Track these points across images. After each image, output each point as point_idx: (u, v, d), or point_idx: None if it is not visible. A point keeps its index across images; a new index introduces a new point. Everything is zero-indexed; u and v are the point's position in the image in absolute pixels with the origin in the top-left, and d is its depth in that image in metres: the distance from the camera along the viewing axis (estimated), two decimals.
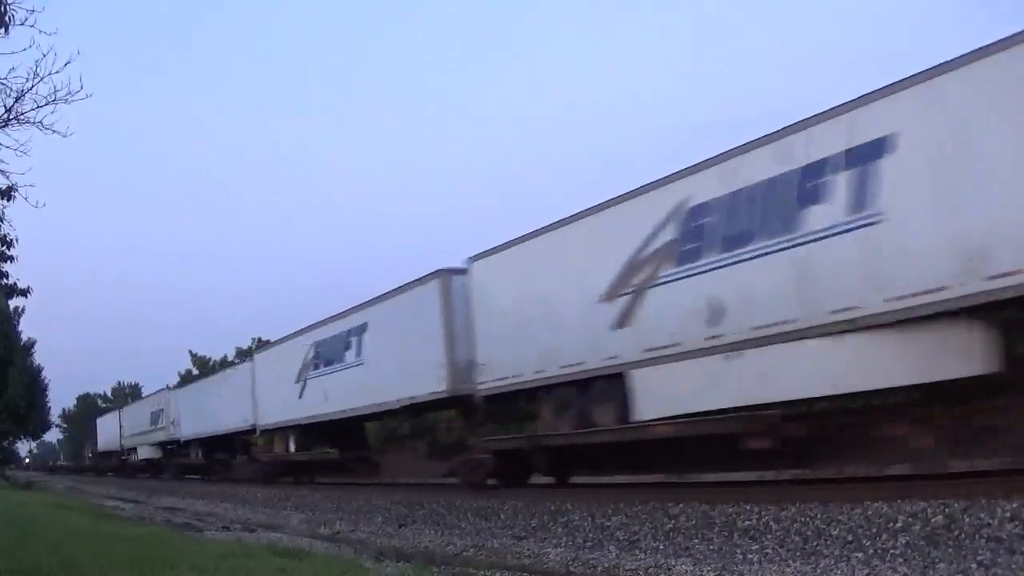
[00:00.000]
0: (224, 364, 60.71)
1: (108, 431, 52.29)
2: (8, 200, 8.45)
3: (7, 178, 8.30)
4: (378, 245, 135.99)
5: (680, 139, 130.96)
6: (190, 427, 33.81)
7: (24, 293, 9.98)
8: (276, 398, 24.78)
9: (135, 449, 42.81)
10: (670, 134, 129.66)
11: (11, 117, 7.80)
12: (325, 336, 21.88)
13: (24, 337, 47.64)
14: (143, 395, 67.86)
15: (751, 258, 10.48)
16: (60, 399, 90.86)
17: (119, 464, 48.50)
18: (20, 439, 64.06)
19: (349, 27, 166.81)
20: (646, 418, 11.86)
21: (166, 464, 38.34)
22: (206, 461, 33.30)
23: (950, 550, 6.88)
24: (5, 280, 9.70)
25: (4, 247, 9.11)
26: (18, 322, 44.25)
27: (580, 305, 13.01)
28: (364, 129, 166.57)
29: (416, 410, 18.90)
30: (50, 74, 7.37)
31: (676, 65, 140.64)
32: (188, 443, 34.77)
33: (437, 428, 23.67)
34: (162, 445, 38.21)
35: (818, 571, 7.10)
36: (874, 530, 7.69)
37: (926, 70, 8.85)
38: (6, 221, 8.97)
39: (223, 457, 31.90)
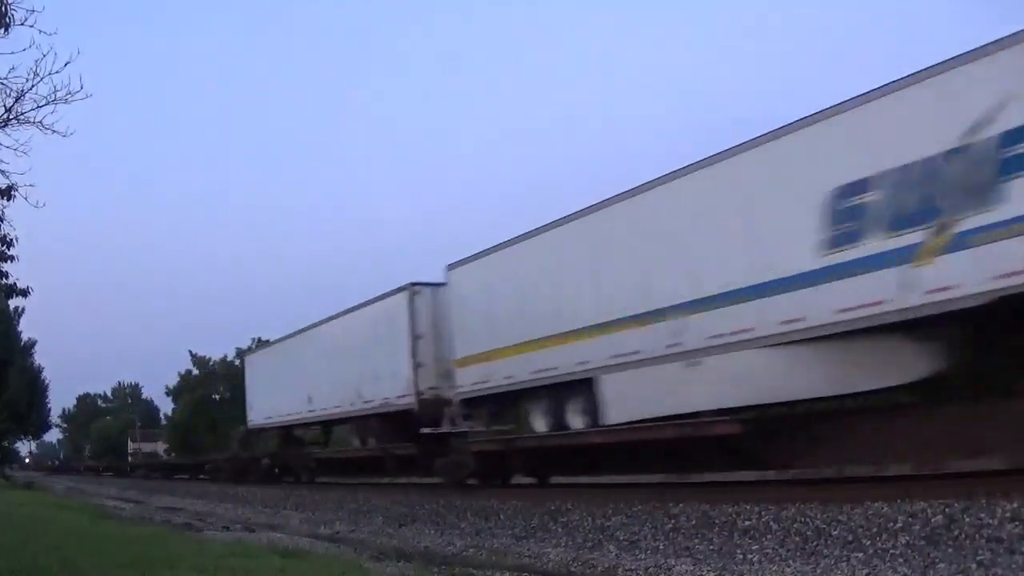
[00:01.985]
0: (224, 364, 60.06)
1: (320, 366, 22.16)
2: (8, 200, 8.45)
3: (7, 178, 8.30)
4: (378, 245, 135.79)
5: (682, 139, 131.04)
6: None
7: (24, 293, 9.98)
8: None
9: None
10: (672, 135, 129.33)
11: (11, 117, 7.80)
12: None
13: (24, 337, 47.56)
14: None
15: None
16: (60, 399, 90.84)
17: (425, 456, 17.25)
18: (20, 439, 63.99)
19: (344, 25, 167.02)
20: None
21: None
22: None
23: (950, 550, 6.88)
24: (5, 280, 9.70)
25: (4, 247, 9.11)
26: (18, 322, 44.22)
27: None
28: (366, 128, 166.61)
29: None
30: (50, 74, 7.36)
31: (676, 66, 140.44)
32: None
33: None
34: None
35: (818, 571, 7.10)
36: (874, 530, 7.68)
37: None
38: (6, 221, 8.97)
39: None
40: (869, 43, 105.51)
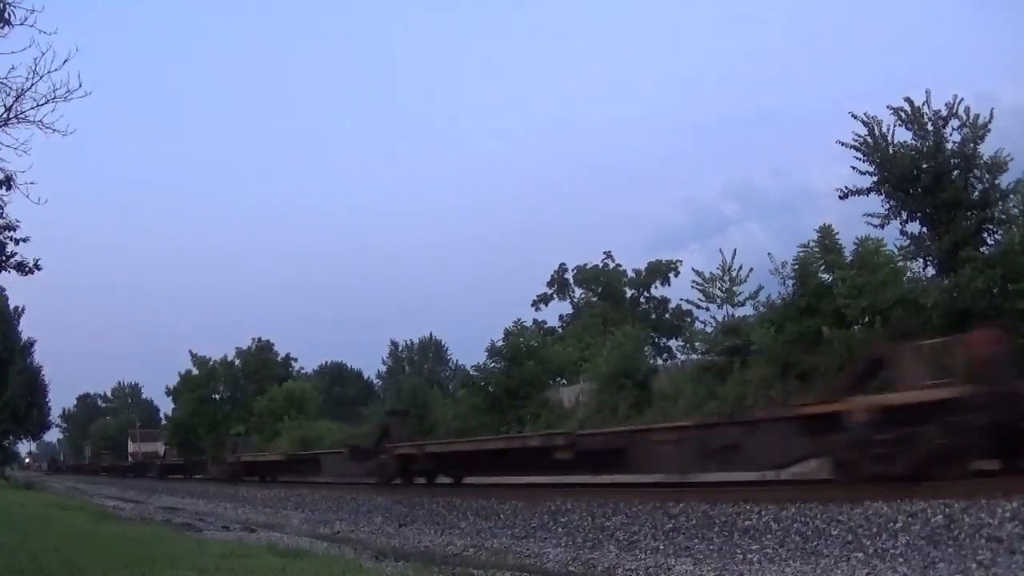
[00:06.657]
0: (224, 364, 59.82)
1: None
2: (8, 190, 8.44)
3: (5, 173, 8.31)
4: (377, 245, 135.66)
5: (679, 139, 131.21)
6: None
7: (32, 269, 9.64)
8: None
9: None
10: (668, 134, 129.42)
11: (11, 116, 7.80)
12: None
13: (24, 337, 47.55)
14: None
15: None
16: (60, 399, 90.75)
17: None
18: (20, 439, 63.88)
19: (337, 27, 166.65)
20: None
21: None
22: None
23: (950, 550, 6.89)
24: (14, 258, 9.52)
25: (8, 231, 9.12)
26: (18, 322, 44.24)
27: None
28: (367, 128, 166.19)
29: None
30: (49, 72, 7.36)
31: (671, 63, 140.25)
32: None
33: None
34: None
35: (818, 571, 7.11)
36: (874, 530, 7.69)
37: None
38: (6, 214, 8.97)
39: None
40: (866, 41, 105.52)
